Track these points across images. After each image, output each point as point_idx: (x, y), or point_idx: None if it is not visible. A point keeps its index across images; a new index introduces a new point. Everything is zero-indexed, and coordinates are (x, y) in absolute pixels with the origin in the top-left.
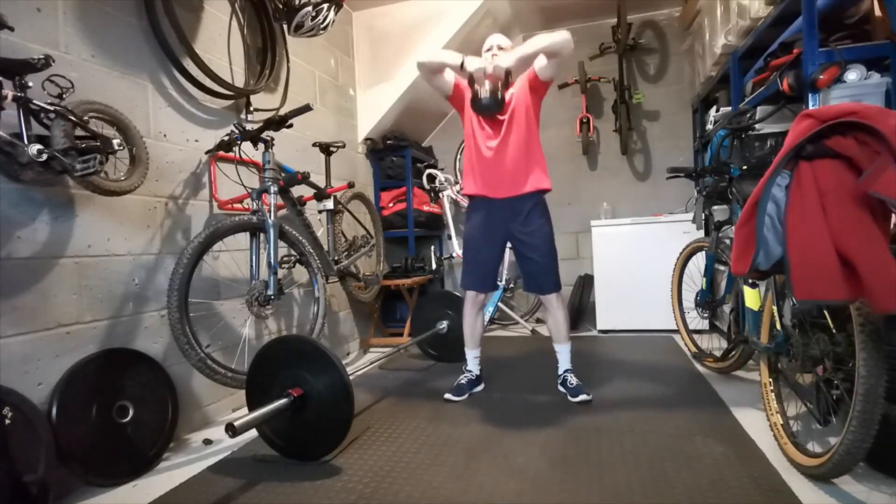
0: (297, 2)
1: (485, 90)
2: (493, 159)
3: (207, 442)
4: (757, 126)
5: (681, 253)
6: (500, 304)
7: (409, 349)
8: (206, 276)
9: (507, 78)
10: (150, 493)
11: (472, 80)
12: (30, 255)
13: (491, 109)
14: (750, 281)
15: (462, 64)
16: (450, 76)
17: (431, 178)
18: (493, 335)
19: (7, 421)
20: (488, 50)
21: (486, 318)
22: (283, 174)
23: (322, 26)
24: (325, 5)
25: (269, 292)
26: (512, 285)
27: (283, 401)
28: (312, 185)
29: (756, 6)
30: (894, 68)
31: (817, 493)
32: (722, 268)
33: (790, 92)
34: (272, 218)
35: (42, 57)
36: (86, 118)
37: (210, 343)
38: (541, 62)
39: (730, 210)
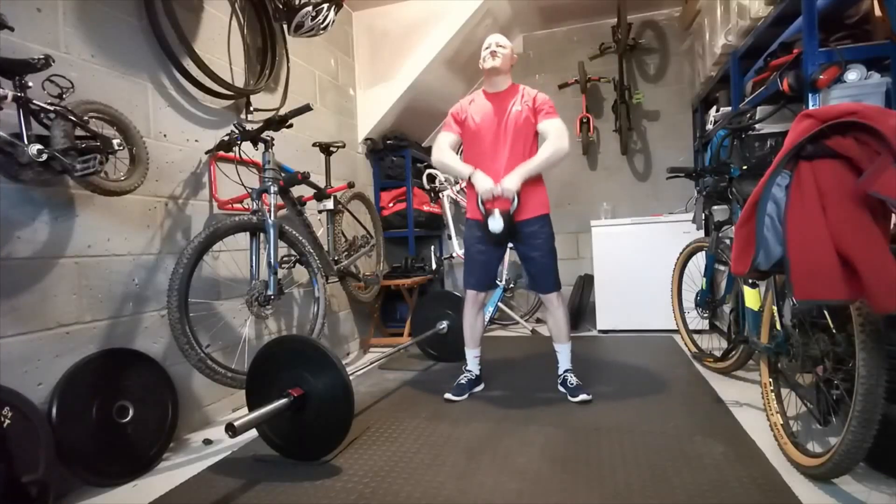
0: (297, 2)
1: (494, 220)
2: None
3: (207, 442)
4: (757, 126)
5: (681, 253)
6: (500, 304)
7: (409, 349)
8: (206, 276)
9: (516, 199)
10: (150, 493)
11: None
12: (30, 255)
13: (501, 238)
14: (750, 281)
15: (469, 177)
16: (456, 143)
17: (431, 178)
18: (493, 335)
19: (7, 421)
20: (487, 48)
21: (487, 317)
22: (283, 174)
23: (322, 26)
24: (325, 5)
25: (269, 292)
26: (512, 285)
27: (283, 401)
28: (312, 185)
29: (756, 6)
30: (894, 68)
31: (817, 493)
32: (722, 268)
33: (790, 92)
34: (272, 218)
35: (42, 57)
36: (86, 118)
37: (210, 343)
38: (544, 133)
39: (730, 210)
